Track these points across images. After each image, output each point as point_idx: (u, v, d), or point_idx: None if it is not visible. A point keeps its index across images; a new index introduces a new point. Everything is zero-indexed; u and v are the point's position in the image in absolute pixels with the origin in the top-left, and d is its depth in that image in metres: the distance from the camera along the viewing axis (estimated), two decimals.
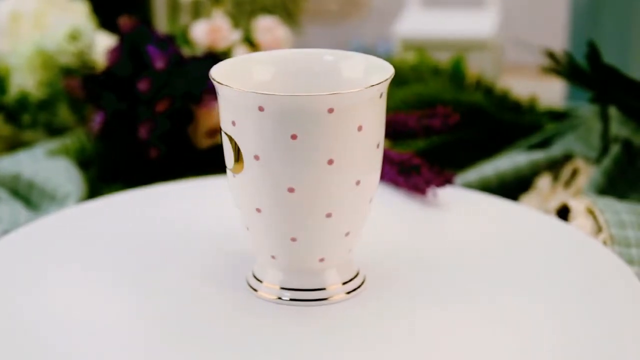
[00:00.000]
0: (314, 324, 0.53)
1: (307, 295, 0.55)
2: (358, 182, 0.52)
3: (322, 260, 0.54)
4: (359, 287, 0.56)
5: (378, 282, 0.57)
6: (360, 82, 0.54)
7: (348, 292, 0.55)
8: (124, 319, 0.53)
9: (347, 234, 0.54)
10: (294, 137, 0.50)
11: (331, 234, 0.53)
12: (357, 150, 0.51)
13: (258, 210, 0.53)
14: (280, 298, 0.55)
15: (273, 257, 0.55)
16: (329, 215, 0.52)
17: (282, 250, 0.54)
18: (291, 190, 0.51)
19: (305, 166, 0.50)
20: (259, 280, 0.56)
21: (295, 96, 0.49)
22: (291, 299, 0.55)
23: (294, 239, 0.53)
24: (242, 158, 0.52)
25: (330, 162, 0.51)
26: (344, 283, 0.56)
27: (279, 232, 0.53)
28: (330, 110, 0.49)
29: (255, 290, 0.56)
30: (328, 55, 0.57)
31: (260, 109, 0.49)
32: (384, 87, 0.52)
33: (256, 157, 0.51)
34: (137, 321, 0.53)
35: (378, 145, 0.53)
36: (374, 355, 0.50)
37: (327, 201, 0.52)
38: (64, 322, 0.53)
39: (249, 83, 0.55)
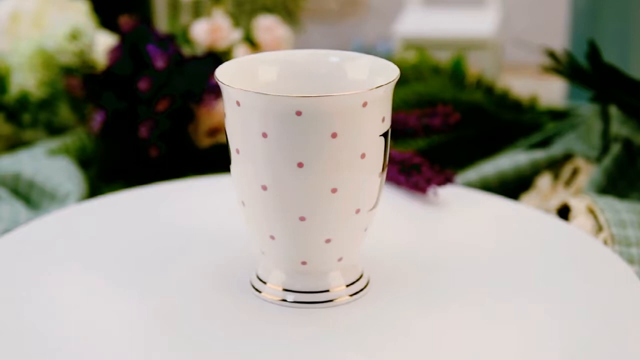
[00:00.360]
0: (318, 326, 0.53)
1: (311, 297, 0.54)
2: (334, 190, 0.51)
3: (304, 263, 0.54)
4: (362, 289, 0.56)
5: (380, 283, 0.57)
6: (365, 84, 0.54)
7: (352, 295, 0.55)
8: (124, 319, 0.53)
9: (327, 241, 0.53)
10: (264, 135, 0.50)
11: (309, 237, 0.53)
12: (331, 157, 0.50)
13: (243, 203, 0.54)
14: (284, 300, 0.55)
15: (263, 252, 0.55)
16: (302, 219, 0.52)
17: (265, 247, 0.54)
18: (264, 188, 0.51)
19: (276, 165, 0.51)
20: (262, 281, 0.56)
21: (265, 95, 0.49)
22: (295, 301, 0.55)
23: (272, 237, 0.53)
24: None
25: (300, 165, 0.50)
26: (348, 285, 0.55)
27: (260, 228, 0.54)
28: (299, 113, 0.49)
29: (259, 291, 0.56)
30: (333, 56, 0.57)
31: (237, 103, 0.50)
32: (369, 96, 0.50)
33: (237, 151, 0.52)
34: (137, 321, 0.53)
35: (363, 156, 0.52)
36: (376, 356, 0.49)
37: (300, 204, 0.51)
38: (64, 322, 0.53)
39: (254, 83, 0.55)
